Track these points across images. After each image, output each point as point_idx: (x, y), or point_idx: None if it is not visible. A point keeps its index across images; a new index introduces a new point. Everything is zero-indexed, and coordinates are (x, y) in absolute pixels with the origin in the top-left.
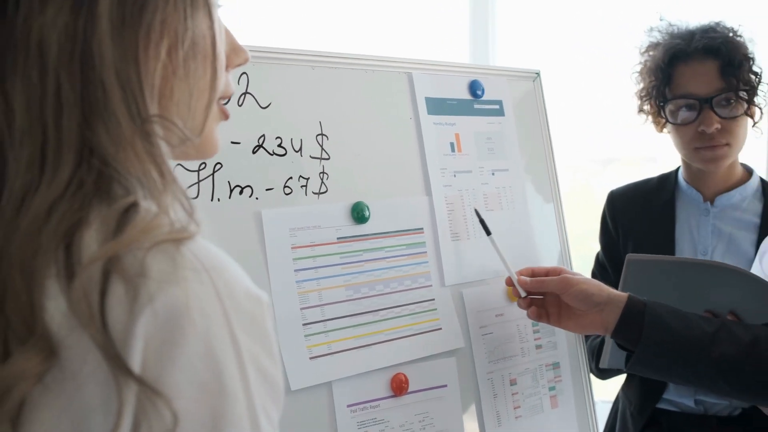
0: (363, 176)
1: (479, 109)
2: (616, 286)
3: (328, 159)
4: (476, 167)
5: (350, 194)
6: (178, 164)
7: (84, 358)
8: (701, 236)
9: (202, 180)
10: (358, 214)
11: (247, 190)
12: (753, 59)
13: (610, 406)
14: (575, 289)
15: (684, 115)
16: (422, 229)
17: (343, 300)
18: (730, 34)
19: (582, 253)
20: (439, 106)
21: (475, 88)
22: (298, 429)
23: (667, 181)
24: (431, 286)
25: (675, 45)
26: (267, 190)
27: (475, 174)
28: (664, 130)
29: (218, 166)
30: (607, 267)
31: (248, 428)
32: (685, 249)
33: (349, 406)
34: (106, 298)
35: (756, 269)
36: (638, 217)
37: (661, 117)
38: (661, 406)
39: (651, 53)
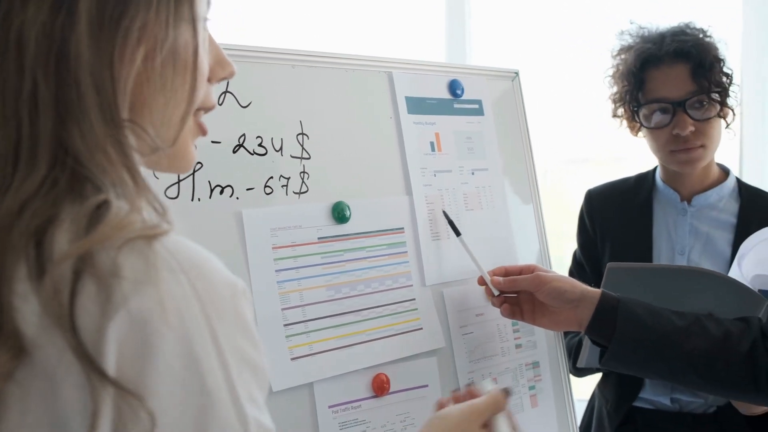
0: (343, 176)
1: (459, 109)
2: (593, 285)
3: (308, 158)
4: (456, 167)
5: (331, 194)
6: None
7: (58, 358)
8: (679, 236)
9: (182, 180)
10: (339, 214)
11: (228, 190)
12: (724, 60)
13: (585, 404)
14: (548, 286)
15: (658, 118)
16: (403, 228)
17: (324, 300)
18: (701, 36)
19: (555, 253)
20: (419, 106)
21: (454, 87)
22: (279, 430)
23: (645, 180)
24: (412, 285)
25: (646, 49)
26: (248, 189)
27: (455, 173)
28: (639, 134)
29: (198, 165)
30: (584, 265)
31: (235, 422)
32: (662, 248)
33: (330, 406)
34: (76, 297)
35: (734, 272)
36: (616, 217)
37: (636, 121)
38: (637, 404)
39: (623, 57)
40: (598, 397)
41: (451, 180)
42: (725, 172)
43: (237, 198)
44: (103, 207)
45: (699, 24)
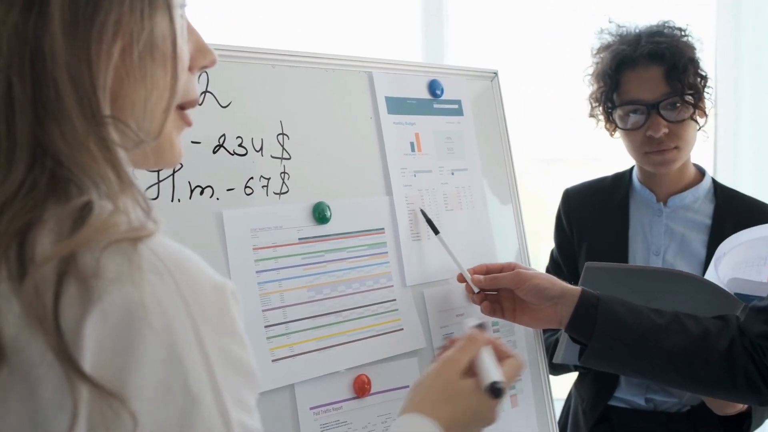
0: (324, 176)
1: (438, 109)
2: (571, 284)
3: (289, 159)
4: (436, 167)
5: (311, 194)
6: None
7: (39, 359)
8: (654, 236)
9: (162, 180)
10: (320, 215)
11: (208, 191)
12: (699, 62)
13: (562, 403)
14: (529, 284)
15: (632, 120)
16: (383, 229)
17: (305, 301)
18: (678, 37)
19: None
20: (399, 106)
21: (434, 87)
22: None
23: (622, 180)
24: (392, 286)
25: (621, 51)
26: (228, 190)
27: (435, 174)
28: (615, 134)
29: (178, 166)
30: (561, 265)
31: (219, 424)
32: (638, 249)
33: (311, 408)
34: (60, 299)
35: (711, 275)
36: (593, 216)
37: (611, 122)
38: (612, 403)
39: (601, 56)
40: (574, 396)
41: (431, 180)
42: (701, 173)
43: (217, 199)
44: (86, 208)
45: (678, 23)
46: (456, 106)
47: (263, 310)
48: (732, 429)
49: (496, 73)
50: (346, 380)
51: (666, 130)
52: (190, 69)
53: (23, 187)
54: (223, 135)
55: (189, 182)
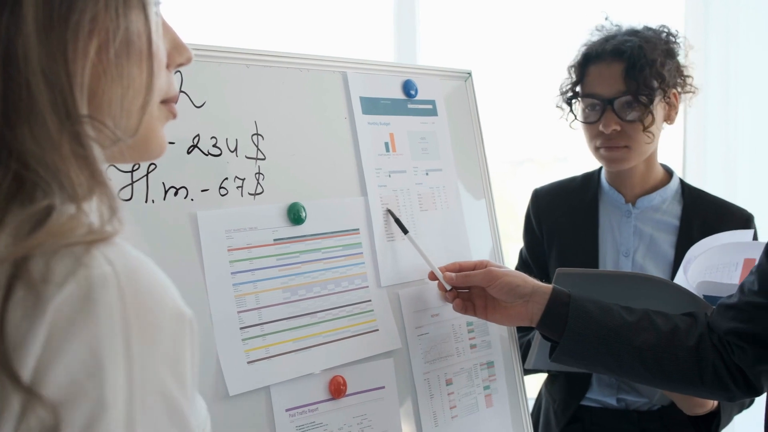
0: (299, 177)
1: (413, 109)
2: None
3: (263, 159)
4: (410, 167)
5: (286, 195)
6: (111, 165)
7: None
8: (623, 238)
9: (136, 181)
10: (295, 215)
11: (182, 191)
12: (660, 65)
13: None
14: (500, 281)
15: (588, 114)
16: (358, 229)
17: (280, 302)
18: (651, 38)
19: None
20: (373, 106)
21: (408, 87)
22: None
23: (590, 180)
24: (368, 287)
25: (591, 45)
26: (202, 191)
27: (409, 174)
28: (573, 126)
29: (152, 167)
30: (530, 265)
31: None
32: (607, 250)
33: (287, 410)
34: (8, 303)
35: (680, 278)
36: (562, 217)
37: (573, 114)
38: (584, 403)
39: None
40: (545, 397)
41: (406, 180)
42: (669, 173)
43: (191, 199)
44: (46, 212)
45: (671, 29)
46: (430, 107)
47: (238, 312)
48: (701, 426)
49: (470, 74)
50: (321, 381)
51: (617, 128)
52: (168, 66)
53: None
54: (198, 135)
55: (163, 183)
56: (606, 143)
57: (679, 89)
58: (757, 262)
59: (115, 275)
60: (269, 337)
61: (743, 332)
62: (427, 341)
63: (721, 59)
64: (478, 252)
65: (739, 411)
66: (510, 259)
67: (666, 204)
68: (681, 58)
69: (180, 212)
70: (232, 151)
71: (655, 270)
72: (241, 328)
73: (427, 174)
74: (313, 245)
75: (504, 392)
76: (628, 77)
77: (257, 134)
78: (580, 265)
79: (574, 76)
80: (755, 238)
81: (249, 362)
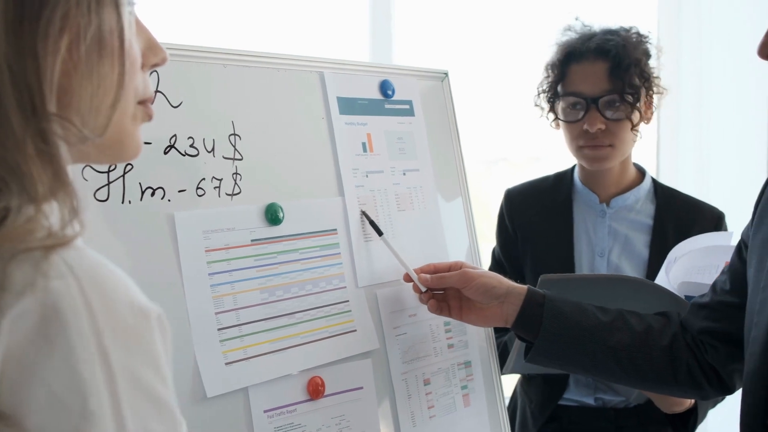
0: (276, 177)
1: (390, 109)
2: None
3: (241, 159)
4: (388, 167)
5: (264, 195)
6: (87, 166)
7: None
8: (598, 238)
9: (113, 182)
10: (272, 216)
11: (159, 192)
12: (644, 65)
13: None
14: (475, 282)
15: (572, 112)
16: (336, 230)
17: (258, 303)
18: (630, 38)
19: None
20: (350, 106)
21: (385, 88)
22: None
23: (563, 180)
24: (345, 287)
25: (571, 44)
26: (179, 191)
27: (386, 174)
28: (555, 126)
29: (129, 167)
30: (504, 265)
31: None
32: (583, 250)
33: (266, 411)
34: None
35: (661, 278)
36: (536, 217)
37: (553, 113)
38: (561, 402)
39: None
40: (521, 396)
41: (383, 181)
42: (642, 173)
43: (168, 200)
44: (2, 214)
45: (641, 30)
46: (407, 107)
47: (216, 313)
48: (678, 424)
49: (446, 74)
50: (300, 382)
51: (602, 127)
52: (142, 67)
53: None
54: (174, 135)
55: (140, 183)
56: (590, 142)
57: (654, 89)
58: (729, 262)
59: (77, 283)
60: (247, 338)
61: (716, 331)
62: (404, 341)
63: (694, 60)
64: (455, 252)
65: (713, 406)
66: (487, 259)
67: (639, 203)
68: (652, 60)
69: (157, 213)
70: (209, 152)
71: (631, 269)
72: (219, 329)
73: (404, 174)
74: (290, 246)
75: (481, 391)
76: (613, 76)
77: (234, 134)
78: (556, 266)
79: (553, 74)
80: None
81: (227, 363)
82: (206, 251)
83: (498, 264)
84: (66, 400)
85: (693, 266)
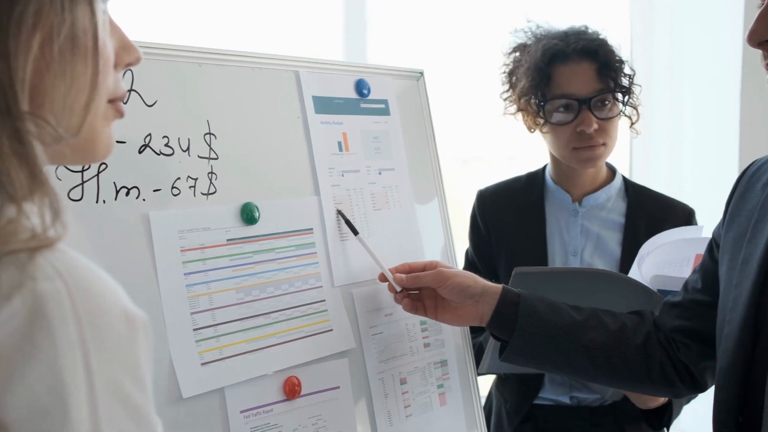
0: (252, 176)
1: (366, 108)
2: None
3: (216, 159)
4: (363, 166)
5: (239, 195)
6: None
7: None
8: (571, 237)
9: (87, 181)
10: (248, 215)
11: (134, 192)
12: (626, 62)
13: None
14: (450, 282)
15: (562, 115)
16: (312, 229)
17: (234, 303)
18: (605, 37)
19: None
20: (326, 105)
21: (361, 87)
22: None
23: (536, 180)
24: (321, 287)
25: (553, 45)
26: (154, 191)
27: (362, 173)
28: (543, 129)
29: (103, 166)
30: (477, 265)
31: None
32: (556, 249)
33: (242, 411)
34: None
35: (634, 272)
36: (509, 217)
37: (540, 117)
38: (536, 401)
39: (518, 54)
40: (496, 397)
41: (359, 180)
42: (612, 171)
43: (143, 200)
44: None
45: (595, 27)
46: (383, 106)
47: (191, 313)
48: (653, 421)
49: (422, 73)
50: (276, 382)
51: (597, 126)
52: (115, 66)
53: None
54: (149, 134)
55: (114, 183)
56: (586, 143)
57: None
58: (701, 261)
59: (65, 287)
60: (223, 338)
61: (688, 329)
62: (381, 341)
63: (666, 58)
64: (430, 251)
65: (687, 402)
66: (462, 258)
67: (611, 202)
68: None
69: (132, 213)
70: (184, 151)
71: (603, 267)
72: (195, 330)
73: (380, 173)
74: (266, 245)
75: (457, 390)
76: (602, 75)
77: (210, 133)
78: (530, 265)
79: (536, 77)
80: None
81: (203, 364)
82: (181, 251)
83: (471, 265)
84: (47, 405)
85: (665, 260)
